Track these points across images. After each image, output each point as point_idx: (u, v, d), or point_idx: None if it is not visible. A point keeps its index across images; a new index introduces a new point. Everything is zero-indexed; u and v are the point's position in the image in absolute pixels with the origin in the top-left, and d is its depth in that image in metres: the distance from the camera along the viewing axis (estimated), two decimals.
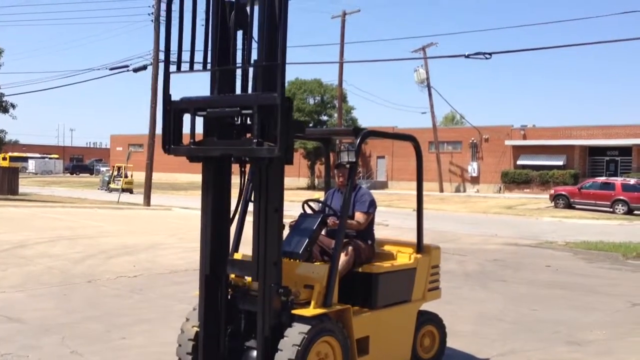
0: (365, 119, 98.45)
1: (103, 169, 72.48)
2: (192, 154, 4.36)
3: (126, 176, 38.24)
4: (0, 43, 51.97)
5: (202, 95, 4.39)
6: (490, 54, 19.32)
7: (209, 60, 4.37)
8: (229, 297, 4.52)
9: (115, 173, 40.36)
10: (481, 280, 10.30)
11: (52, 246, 12.01)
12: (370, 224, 5.28)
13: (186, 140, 4.36)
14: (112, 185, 39.02)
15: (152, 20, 27.45)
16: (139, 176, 34.96)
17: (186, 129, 4.37)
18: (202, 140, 4.36)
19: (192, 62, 4.37)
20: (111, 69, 27.96)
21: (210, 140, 4.34)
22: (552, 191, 31.80)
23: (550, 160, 41.50)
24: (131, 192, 36.33)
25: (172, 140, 4.35)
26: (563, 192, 30.65)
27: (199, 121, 4.37)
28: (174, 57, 4.46)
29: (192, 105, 4.30)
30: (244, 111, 4.15)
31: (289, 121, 3.96)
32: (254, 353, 4.31)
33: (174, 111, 4.34)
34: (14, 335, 6.06)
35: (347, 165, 5.05)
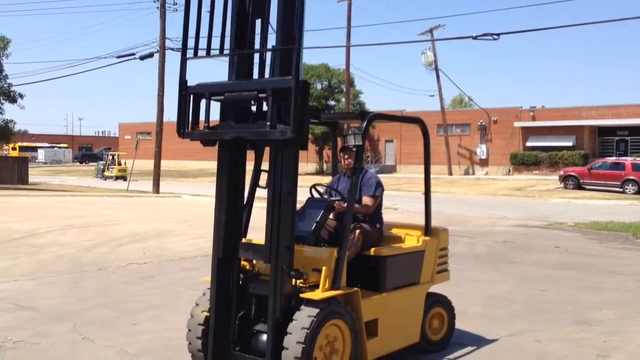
0: (373, 103, 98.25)
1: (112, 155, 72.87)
2: (205, 138, 4.42)
3: (120, 164, 39.38)
4: (7, 33, 52.07)
5: (217, 81, 4.42)
6: (498, 34, 19.16)
7: (221, 46, 4.42)
8: (240, 281, 4.55)
9: (110, 161, 41.17)
10: (490, 262, 10.29)
11: (63, 235, 12.10)
12: (378, 207, 5.28)
13: (202, 125, 4.43)
14: (106, 173, 39.88)
15: (158, 7, 27.39)
16: (148, 164, 35.17)
17: (202, 116, 4.43)
18: (217, 125, 4.41)
19: (209, 48, 4.43)
20: (118, 57, 28.05)
21: (226, 125, 4.39)
22: (562, 172, 31.66)
23: (560, 141, 41.24)
24: (125, 179, 36.58)
25: (186, 124, 4.42)
26: (573, 173, 30.49)
27: (216, 107, 4.45)
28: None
29: (208, 89, 4.36)
30: (259, 95, 4.19)
31: (305, 105, 3.99)
32: (264, 337, 4.33)
33: (189, 96, 4.40)
34: (26, 323, 6.13)
35: (353, 149, 5.04)
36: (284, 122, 4.07)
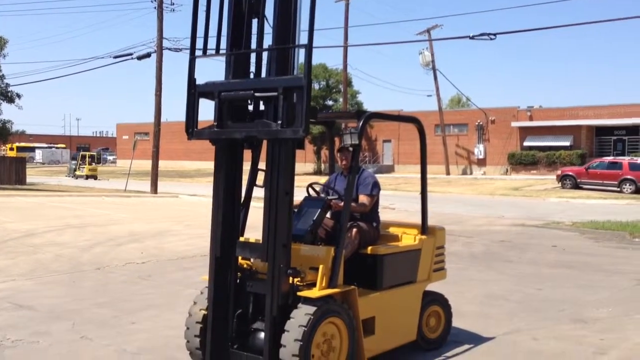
0: (371, 103, 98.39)
1: (110, 157, 72.94)
2: (215, 137, 4.42)
3: (90, 164, 41.67)
4: (4, 33, 52.15)
5: (226, 80, 4.44)
6: (495, 34, 19.26)
7: (230, 45, 4.45)
8: (238, 280, 4.57)
9: (80, 161, 42.95)
10: (487, 261, 10.32)
11: (61, 234, 12.11)
12: (374, 206, 5.30)
13: (201, 125, 4.44)
14: (77, 172, 41.44)
15: (155, 8, 27.38)
16: (146, 164, 35.19)
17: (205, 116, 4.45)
18: (218, 124, 4.41)
19: (218, 47, 4.46)
20: (115, 57, 28.03)
21: (226, 124, 4.39)
22: (559, 172, 31.70)
23: (557, 141, 41.27)
24: (95, 178, 39.15)
25: (195, 124, 4.43)
26: (570, 173, 30.53)
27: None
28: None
29: (217, 88, 4.35)
30: (267, 94, 4.20)
31: (310, 105, 4.01)
32: (262, 335, 4.36)
33: (198, 95, 4.40)
34: (25, 322, 6.15)
35: (350, 148, 5.06)
36: (285, 120, 4.08)
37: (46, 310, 6.60)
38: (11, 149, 63.25)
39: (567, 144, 41.11)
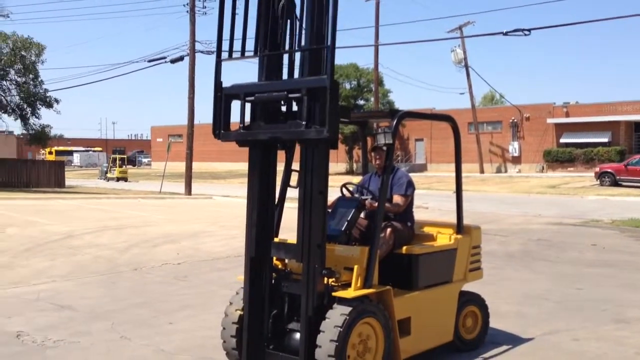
0: (403, 102, 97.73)
1: (145, 160, 74.10)
2: (241, 138, 4.46)
3: (121, 166, 43.53)
4: (41, 39, 53.45)
5: (251, 82, 4.47)
6: (529, 30, 18.95)
7: (256, 47, 4.47)
8: (273, 280, 4.59)
9: (111, 164, 45.03)
10: (524, 260, 10.15)
11: (99, 236, 12.35)
12: (409, 205, 5.26)
13: (233, 127, 4.48)
14: (108, 175, 43.34)
15: (187, 12, 27.72)
16: (180, 166, 35.69)
17: (235, 117, 4.48)
18: (250, 125, 4.45)
19: (243, 49, 4.49)
20: (149, 61, 28.48)
21: (257, 125, 4.42)
22: (597, 169, 31.00)
23: (595, 138, 40.36)
24: (126, 180, 40.81)
25: (222, 125, 4.48)
26: (609, 170, 29.84)
27: (246, 108, 4.48)
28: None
29: (243, 90, 4.40)
30: (292, 95, 4.22)
31: (336, 104, 4.00)
32: (297, 335, 4.36)
33: (224, 98, 4.45)
34: (66, 322, 6.28)
35: (384, 148, 5.03)
36: (314, 120, 4.09)
37: (86, 311, 6.74)
38: (50, 152, 64.84)
39: (605, 140, 40.16)
